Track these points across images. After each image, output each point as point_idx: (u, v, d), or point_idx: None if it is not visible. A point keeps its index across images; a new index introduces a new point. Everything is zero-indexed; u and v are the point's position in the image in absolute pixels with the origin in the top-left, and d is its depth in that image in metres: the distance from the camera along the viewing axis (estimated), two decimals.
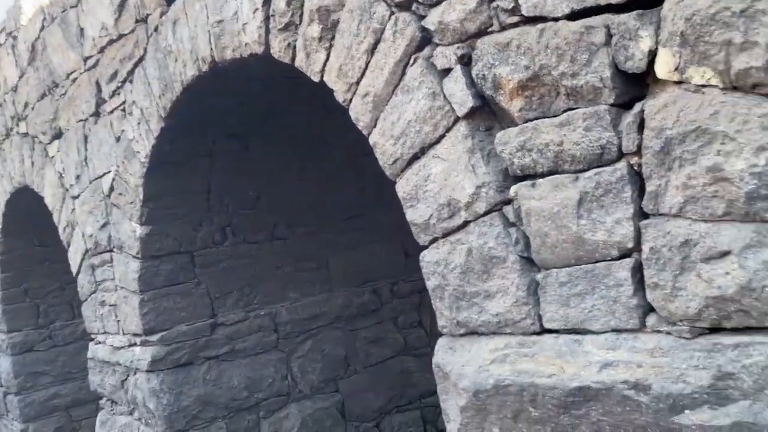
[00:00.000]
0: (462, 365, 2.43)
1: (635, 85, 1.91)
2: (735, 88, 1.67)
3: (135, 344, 4.65)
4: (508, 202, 2.26)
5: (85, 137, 4.89)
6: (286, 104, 4.39)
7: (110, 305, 4.92)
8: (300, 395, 5.12)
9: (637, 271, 1.95)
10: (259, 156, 4.78)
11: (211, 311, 4.75)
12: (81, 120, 4.90)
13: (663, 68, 1.79)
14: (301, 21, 2.86)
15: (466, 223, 2.38)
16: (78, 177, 5.07)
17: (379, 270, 5.68)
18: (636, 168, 1.92)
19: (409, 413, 5.74)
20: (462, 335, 2.50)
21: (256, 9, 3.06)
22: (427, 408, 5.79)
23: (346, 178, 5.28)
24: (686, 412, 1.81)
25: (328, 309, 5.34)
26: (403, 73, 2.48)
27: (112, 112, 4.49)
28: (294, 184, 5.05)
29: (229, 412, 4.73)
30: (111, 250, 4.81)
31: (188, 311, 4.63)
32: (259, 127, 4.58)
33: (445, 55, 2.33)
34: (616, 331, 2.02)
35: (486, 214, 2.31)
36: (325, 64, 2.81)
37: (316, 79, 2.87)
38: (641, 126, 1.88)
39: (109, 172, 4.64)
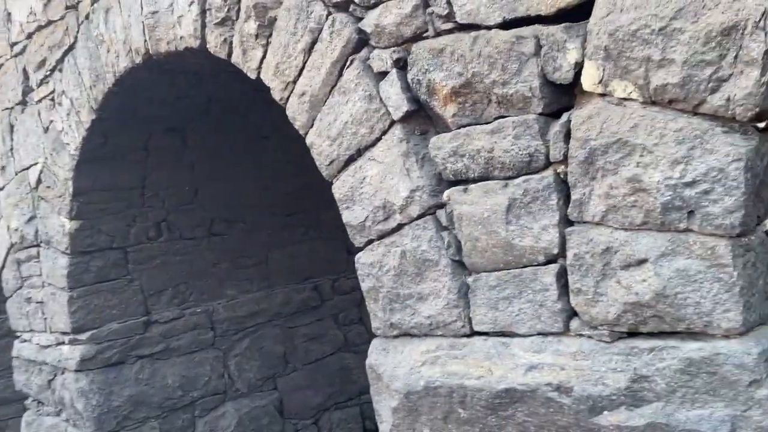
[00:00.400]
0: (394, 367, 2.45)
1: (563, 95, 1.96)
2: (653, 103, 1.73)
3: (63, 343, 4.47)
4: (442, 206, 2.29)
5: (11, 126, 4.67)
6: (225, 98, 4.30)
7: (37, 302, 4.72)
8: (237, 393, 5.05)
9: (562, 276, 2.01)
10: (197, 151, 4.67)
11: (145, 309, 4.62)
12: (7, 108, 4.68)
13: (588, 80, 1.84)
14: (237, 17, 2.81)
15: (400, 226, 2.40)
16: (3, 168, 4.84)
17: (320, 267, 5.65)
18: (562, 176, 1.97)
19: (348, 410, 5.75)
20: (395, 337, 2.52)
21: (192, 2, 2.99)
22: (366, 404, 5.79)
23: (287, 174, 5.22)
24: (605, 413, 1.89)
25: (267, 306, 5.27)
26: (340, 74, 2.47)
27: (40, 101, 4.31)
28: (233, 179, 4.96)
29: (163, 412, 4.63)
30: (38, 245, 4.62)
31: (120, 309, 4.49)
32: (196, 121, 4.47)
33: (382, 58, 2.33)
34: (542, 334, 2.08)
35: (420, 217, 2.33)
36: (261, 62, 2.76)
37: (252, 76, 2.82)
38: (568, 135, 1.93)
39: (36, 163, 4.45)
